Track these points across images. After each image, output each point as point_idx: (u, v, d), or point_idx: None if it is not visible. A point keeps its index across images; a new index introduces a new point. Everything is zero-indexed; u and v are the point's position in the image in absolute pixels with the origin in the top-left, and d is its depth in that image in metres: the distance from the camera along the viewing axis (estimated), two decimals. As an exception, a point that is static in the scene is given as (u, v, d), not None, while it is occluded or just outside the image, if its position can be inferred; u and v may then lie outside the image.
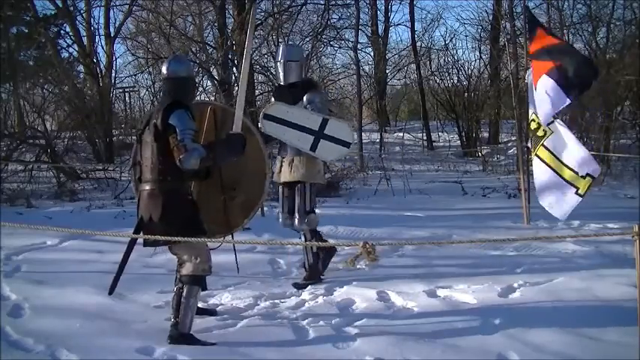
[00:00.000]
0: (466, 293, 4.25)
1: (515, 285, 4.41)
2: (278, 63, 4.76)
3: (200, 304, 3.92)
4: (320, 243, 4.48)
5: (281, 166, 4.75)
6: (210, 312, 4.04)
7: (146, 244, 3.61)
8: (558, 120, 5.84)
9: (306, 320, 3.81)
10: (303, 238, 4.71)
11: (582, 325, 3.59)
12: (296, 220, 4.69)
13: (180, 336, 3.45)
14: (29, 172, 10.54)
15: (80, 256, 5.56)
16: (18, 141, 11.13)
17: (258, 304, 4.16)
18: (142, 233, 3.55)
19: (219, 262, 5.00)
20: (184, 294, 3.49)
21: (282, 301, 4.24)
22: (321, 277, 4.71)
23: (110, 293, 3.72)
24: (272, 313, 4.01)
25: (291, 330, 3.67)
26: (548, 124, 5.70)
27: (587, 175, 5.40)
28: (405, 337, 3.49)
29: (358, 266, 4.95)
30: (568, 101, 5.53)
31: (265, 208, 7.66)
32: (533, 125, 5.99)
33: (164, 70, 3.61)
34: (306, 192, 4.67)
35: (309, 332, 3.64)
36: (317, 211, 4.87)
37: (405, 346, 3.35)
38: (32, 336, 3.57)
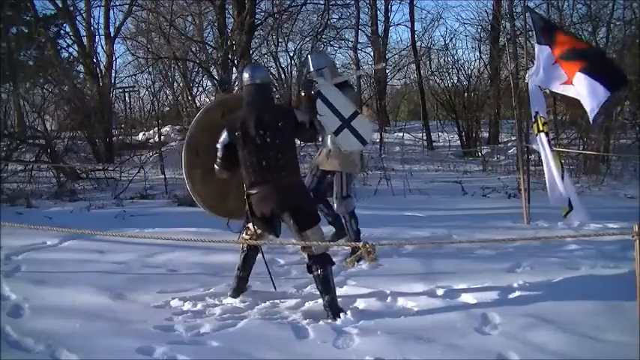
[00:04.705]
0: (466, 293, 4.26)
1: (515, 285, 4.41)
2: (311, 74, 5.23)
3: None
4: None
5: (320, 155, 5.37)
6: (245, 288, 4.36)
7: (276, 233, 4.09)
8: (540, 137, 5.89)
9: (306, 320, 3.82)
10: (343, 220, 5.33)
11: (582, 325, 3.59)
12: (335, 205, 5.28)
13: (339, 306, 3.93)
14: (29, 172, 10.52)
15: (80, 256, 5.56)
16: (18, 141, 11.11)
17: (258, 304, 4.16)
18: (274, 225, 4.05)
19: (219, 262, 5.03)
20: (329, 276, 3.98)
21: (282, 301, 4.24)
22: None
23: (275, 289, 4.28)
24: (272, 313, 4.01)
25: (291, 330, 3.67)
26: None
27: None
28: (405, 337, 3.49)
29: (358, 266, 4.96)
30: (608, 94, 5.38)
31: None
32: (536, 128, 6.00)
33: (247, 76, 4.04)
34: (342, 180, 5.21)
35: (309, 332, 3.65)
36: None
37: (405, 346, 3.36)
38: (32, 336, 3.57)
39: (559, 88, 5.78)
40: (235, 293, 4.27)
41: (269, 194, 3.91)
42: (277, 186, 3.90)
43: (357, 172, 5.36)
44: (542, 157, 5.98)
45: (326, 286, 3.95)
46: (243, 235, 4.22)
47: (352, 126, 4.74)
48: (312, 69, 5.22)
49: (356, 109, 4.86)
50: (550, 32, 5.89)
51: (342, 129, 4.74)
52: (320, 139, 4.35)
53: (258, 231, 4.13)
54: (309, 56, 5.44)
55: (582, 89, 5.38)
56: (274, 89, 13.00)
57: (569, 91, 5.62)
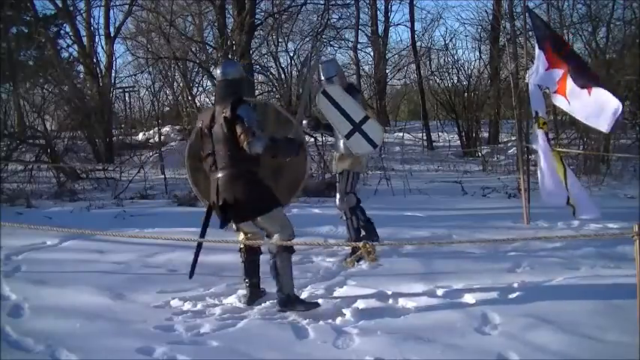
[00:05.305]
0: (466, 293, 4.25)
1: (515, 285, 4.41)
2: (322, 82, 5.41)
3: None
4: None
5: (333, 159, 5.73)
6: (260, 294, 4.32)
7: (223, 224, 4.02)
8: (540, 140, 5.89)
9: (306, 320, 3.82)
10: (344, 217, 5.50)
11: (582, 325, 3.59)
12: (337, 200, 5.46)
13: (287, 298, 3.96)
14: (29, 172, 10.54)
15: (80, 256, 5.56)
16: (18, 141, 11.12)
17: (259, 304, 4.16)
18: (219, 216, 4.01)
19: (219, 262, 5.03)
20: (279, 264, 3.98)
21: (282, 301, 4.23)
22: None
23: (190, 277, 4.17)
24: (272, 313, 4.01)
25: (291, 330, 3.67)
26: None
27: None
28: (405, 337, 3.49)
29: (358, 266, 4.96)
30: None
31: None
32: (536, 128, 6.02)
33: (219, 72, 4.13)
34: (348, 177, 5.42)
35: (309, 332, 3.65)
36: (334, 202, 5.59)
37: (405, 346, 3.36)
38: (32, 336, 3.57)
39: (553, 97, 5.81)
40: (250, 300, 4.22)
41: (212, 184, 4.03)
42: (218, 177, 3.98)
43: (363, 171, 5.70)
44: (537, 155, 5.96)
45: (275, 274, 4.02)
46: (239, 237, 4.23)
47: (363, 130, 4.92)
48: (322, 78, 5.38)
49: (366, 113, 5.03)
50: (544, 37, 5.90)
51: (353, 133, 4.92)
52: (255, 150, 4.00)
53: (249, 234, 4.19)
54: (319, 65, 5.62)
55: (587, 108, 5.37)
56: (274, 89, 13.01)
57: (560, 102, 5.65)
